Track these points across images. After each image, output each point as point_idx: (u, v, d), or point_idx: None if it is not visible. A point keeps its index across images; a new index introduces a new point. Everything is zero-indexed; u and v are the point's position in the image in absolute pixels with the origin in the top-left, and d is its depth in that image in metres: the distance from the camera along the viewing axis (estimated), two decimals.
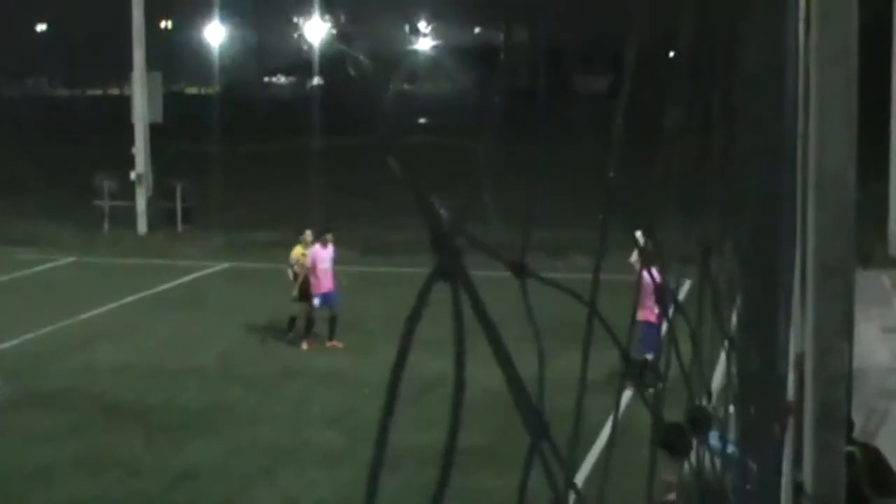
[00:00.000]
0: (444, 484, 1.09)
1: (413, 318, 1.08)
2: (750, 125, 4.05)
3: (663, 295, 2.26)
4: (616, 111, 1.88)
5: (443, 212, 1.06)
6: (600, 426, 13.49)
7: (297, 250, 21.18)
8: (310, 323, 20.69)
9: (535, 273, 1.37)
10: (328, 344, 20.44)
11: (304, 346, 20.56)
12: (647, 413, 2.37)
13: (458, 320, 1.09)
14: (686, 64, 2.33)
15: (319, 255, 20.70)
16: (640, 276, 2.24)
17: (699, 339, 2.49)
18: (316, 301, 20.55)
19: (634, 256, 13.41)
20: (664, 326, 2.21)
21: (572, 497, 1.49)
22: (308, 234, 21.14)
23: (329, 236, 20.97)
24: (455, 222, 1.06)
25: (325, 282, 20.62)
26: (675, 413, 2.95)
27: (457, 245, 1.06)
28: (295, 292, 20.75)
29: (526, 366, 1.54)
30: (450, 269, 1.06)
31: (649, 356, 15.61)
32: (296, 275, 20.97)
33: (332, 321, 20.49)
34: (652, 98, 2.21)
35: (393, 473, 12.53)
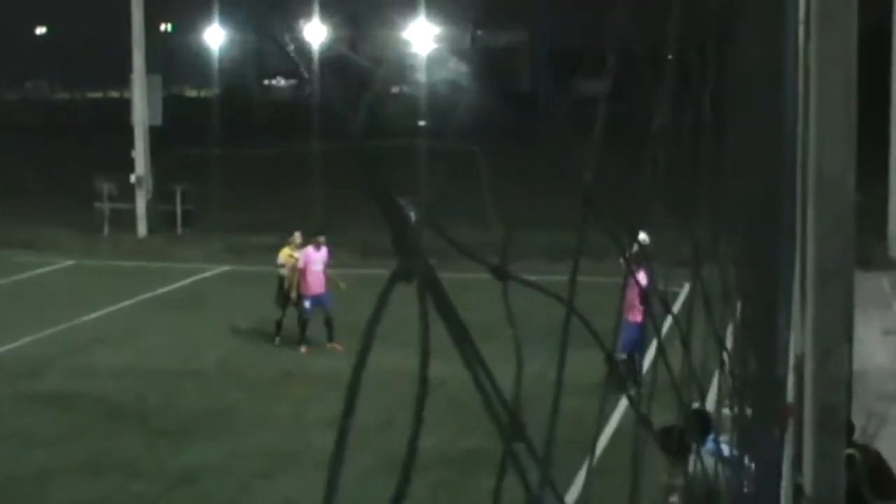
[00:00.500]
0: (406, 483, 1.09)
1: (374, 321, 1.08)
2: (749, 127, 4.05)
3: (649, 296, 2.26)
4: (602, 113, 1.88)
5: (411, 213, 1.06)
6: (601, 429, 13.49)
7: (285, 252, 21.26)
8: (305, 325, 20.74)
9: (516, 276, 1.37)
10: (328, 346, 20.43)
11: (303, 349, 20.59)
12: (649, 415, 2.37)
13: (423, 321, 1.09)
14: (676, 65, 2.33)
15: (311, 258, 20.73)
16: (625, 278, 2.25)
17: (690, 342, 2.49)
18: (307, 303, 20.60)
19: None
20: (649, 327, 2.22)
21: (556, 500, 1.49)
22: (297, 236, 21.19)
23: (321, 238, 20.99)
24: (420, 223, 1.06)
25: (316, 284, 20.65)
26: (672, 416, 2.95)
27: (421, 246, 1.06)
28: (293, 294, 20.79)
29: (531, 366, 1.55)
30: (415, 271, 1.06)
31: (622, 356, 15.81)
32: (281, 277, 21.10)
33: (328, 323, 20.48)
34: (646, 99, 2.21)
35: (393, 477, 12.51)
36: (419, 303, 1.09)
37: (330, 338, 20.44)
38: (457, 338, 1.15)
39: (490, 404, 1.21)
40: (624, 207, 2.10)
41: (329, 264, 21.10)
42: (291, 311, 20.89)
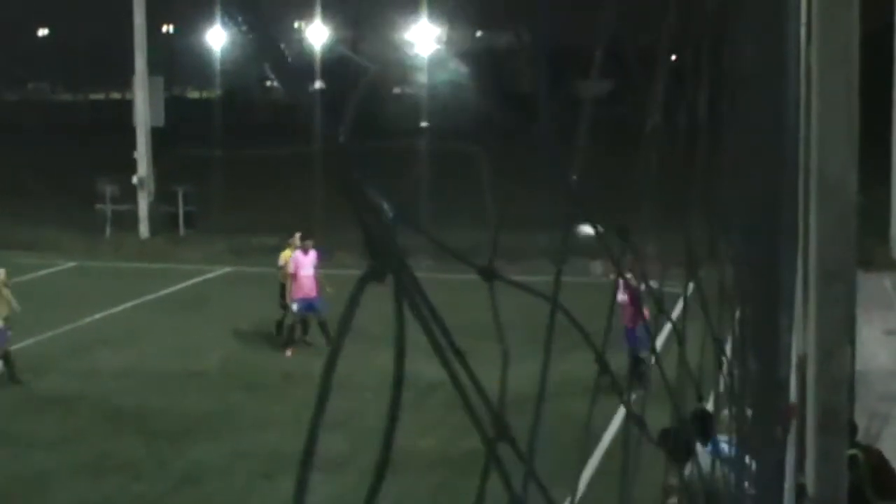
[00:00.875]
0: (380, 480, 1.09)
1: (345, 321, 1.08)
2: (749, 127, 4.05)
3: (639, 298, 2.26)
4: (588, 113, 1.88)
5: (389, 212, 1.05)
6: (603, 430, 13.49)
7: (286, 253, 21.31)
8: (292, 329, 20.74)
9: (502, 276, 1.37)
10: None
11: (288, 353, 20.59)
12: (653, 416, 2.37)
13: (399, 321, 1.09)
14: (676, 65, 2.32)
15: (300, 262, 20.77)
16: (615, 284, 2.24)
17: (684, 343, 2.48)
18: (294, 306, 20.61)
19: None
20: (643, 330, 2.22)
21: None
22: (297, 238, 21.23)
23: (309, 242, 21.05)
24: (395, 222, 1.06)
25: (307, 288, 20.67)
26: (669, 418, 2.95)
27: (396, 245, 1.06)
28: (289, 297, 20.86)
29: (530, 367, 1.55)
30: (388, 270, 1.05)
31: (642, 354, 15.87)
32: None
33: (323, 326, 20.46)
34: (645, 101, 2.20)
35: (394, 477, 12.52)
36: (395, 303, 1.09)
37: (328, 340, 20.44)
38: (433, 338, 1.15)
39: (468, 403, 1.20)
40: (616, 208, 2.10)
41: (318, 267, 21.12)
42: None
